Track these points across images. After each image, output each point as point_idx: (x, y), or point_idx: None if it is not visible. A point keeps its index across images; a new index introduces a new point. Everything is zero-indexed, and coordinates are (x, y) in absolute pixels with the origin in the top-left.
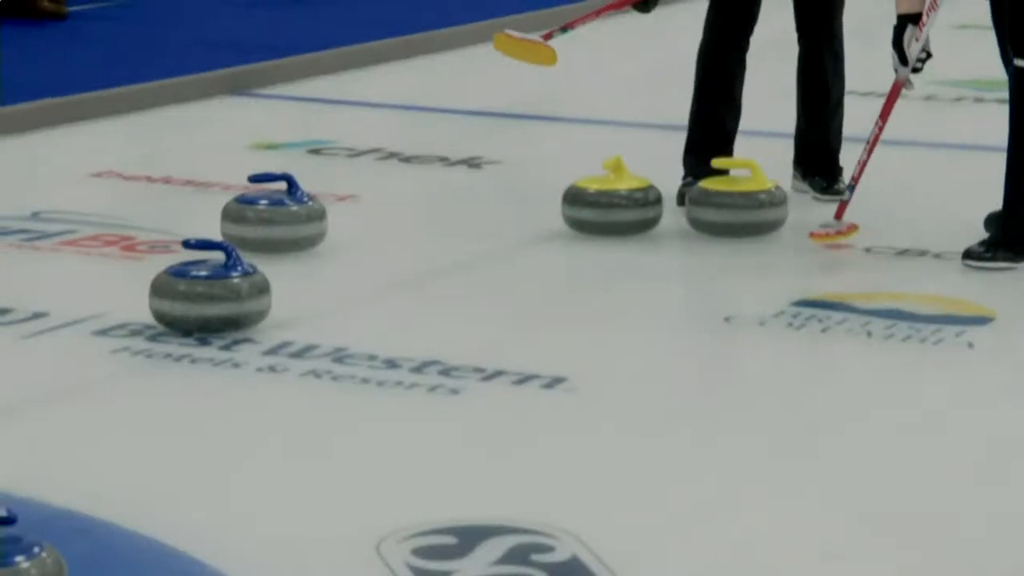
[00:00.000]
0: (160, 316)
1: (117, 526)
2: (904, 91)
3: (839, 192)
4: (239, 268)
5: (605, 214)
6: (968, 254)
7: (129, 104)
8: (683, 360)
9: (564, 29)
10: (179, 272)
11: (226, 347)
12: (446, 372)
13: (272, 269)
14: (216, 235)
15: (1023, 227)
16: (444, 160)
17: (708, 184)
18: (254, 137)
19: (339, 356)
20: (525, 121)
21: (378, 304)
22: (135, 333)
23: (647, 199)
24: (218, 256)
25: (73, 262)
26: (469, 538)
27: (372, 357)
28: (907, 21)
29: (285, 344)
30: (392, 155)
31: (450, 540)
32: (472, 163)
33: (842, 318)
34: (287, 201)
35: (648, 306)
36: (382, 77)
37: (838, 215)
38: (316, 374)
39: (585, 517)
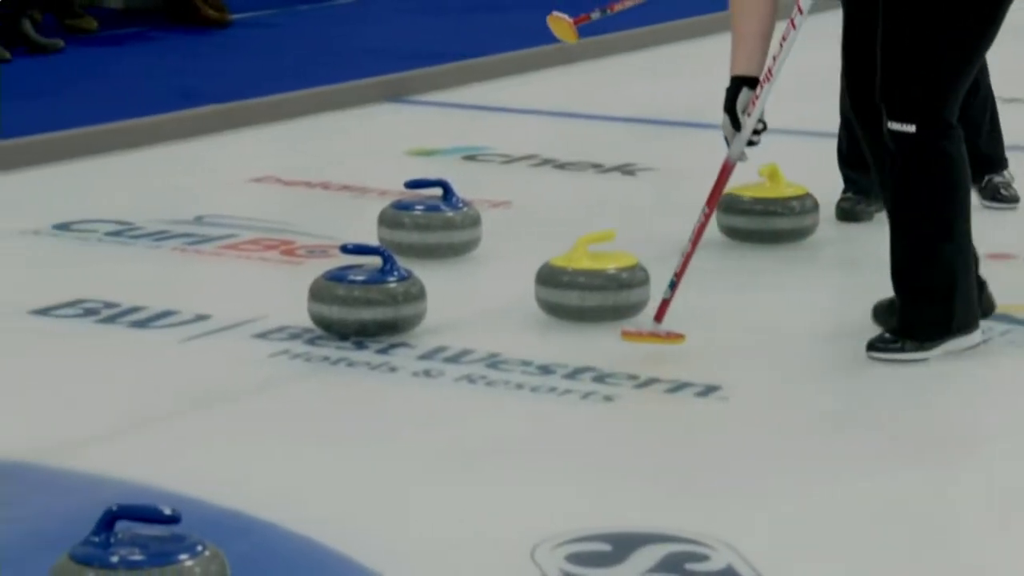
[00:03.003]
0: (318, 320)
1: (277, 526)
2: (732, 162)
3: (1011, 197)
4: (396, 273)
5: (760, 222)
6: (872, 346)
7: (289, 110)
8: (837, 369)
9: (603, 11)
10: (337, 276)
11: (382, 351)
12: (600, 379)
13: (427, 274)
14: (373, 240)
15: (921, 314)
16: (598, 167)
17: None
18: (410, 143)
19: (493, 361)
20: (680, 128)
21: (532, 310)
22: (294, 336)
23: (803, 207)
24: (375, 261)
25: (234, 266)
26: (623, 546)
27: (526, 363)
28: (742, 84)
29: (440, 349)
30: (546, 161)
31: (604, 547)
32: (626, 170)
33: (1005, 329)
34: (442, 207)
35: (802, 315)
36: (537, 84)
37: (658, 316)
38: (470, 379)
39: (741, 527)
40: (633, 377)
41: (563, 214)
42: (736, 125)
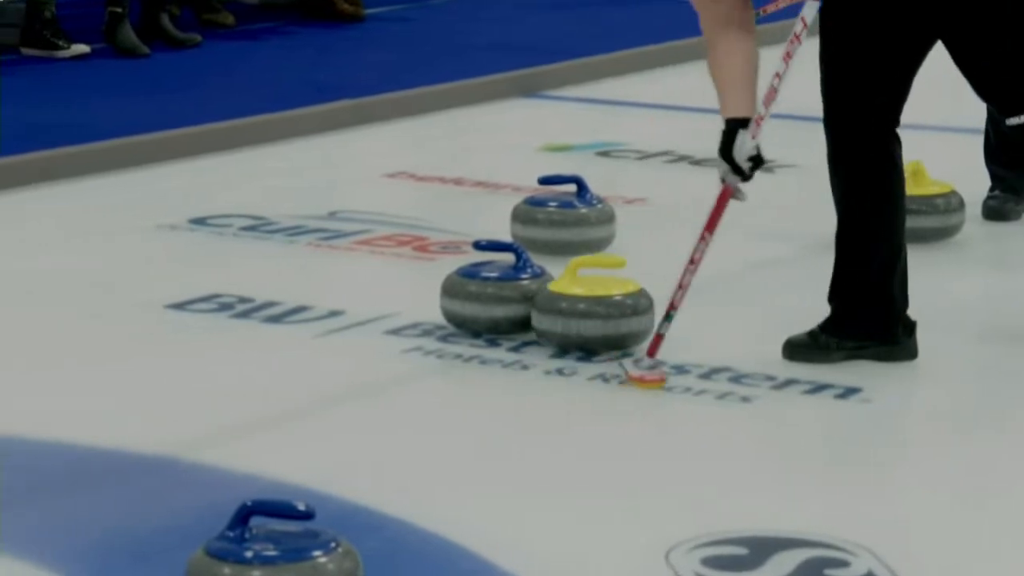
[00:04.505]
0: (451, 317)
1: (410, 524)
2: (735, 200)
3: None
4: (529, 270)
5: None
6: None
7: (422, 106)
8: (984, 372)
9: (756, 13)
10: (469, 273)
11: (515, 349)
12: (736, 379)
13: (561, 271)
14: (506, 236)
15: None
16: None
17: None
18: (544, 139)
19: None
20: (820, 124)
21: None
22: (426, 333)
23: (949, 206)
24: (508, 258)
25: (367, 261)
26: (760, 550)
27: (660, 362)
28: (737, 126)
29: None
30: (682, 158)
31: (741, 551)
32: (765, 167)
33: None
34: (576, 203)
35: (947, 316)
36: (673, 78)
37: (651, 352)
38: (604, 378)
39: (882, 531)
40: (771, 378)
41: (699, 211)
42: (738, 171)
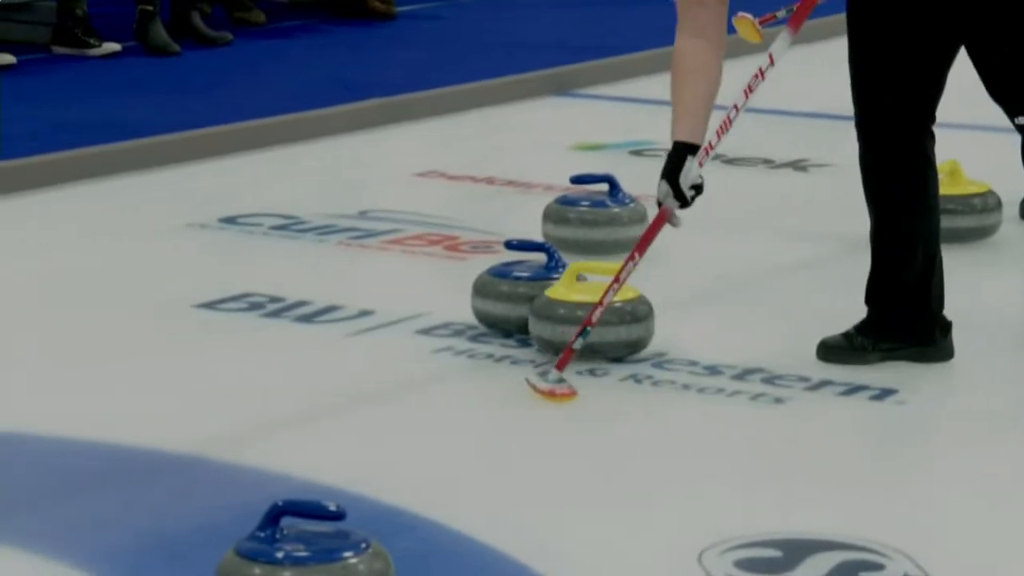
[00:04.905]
0: (482, 316)
1: (442, 525)
2: (669, 224)
3: None
4: (560, 270)
5: (941, 220)
6: None
7: (453, 104)
8: (1021, 373)
9: (789, 9)
10: (501, 273)
11: None
12: (770, 380)
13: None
14: (537, 236)
15: None
16: (769, 162)
17: None
18: (576, 138)
19: (659, 361)
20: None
21: (699, 309)
22: (457, 333)
23: (986, 205)
24: (539, 257)
25: (398, 261)
26: (794, 552)
27: (693, 363)
28: (687, 152)
29: None
30: (715, 157)
31: (774, 553)
32: (798, 166)
33: None
34: (609, 203)
35: (983, 317)
36: None
37: (560, 366)
38: (636, 379)
39: (918, 535)
40: (804, 379)
41: (732, 211)
42: (680, 197)
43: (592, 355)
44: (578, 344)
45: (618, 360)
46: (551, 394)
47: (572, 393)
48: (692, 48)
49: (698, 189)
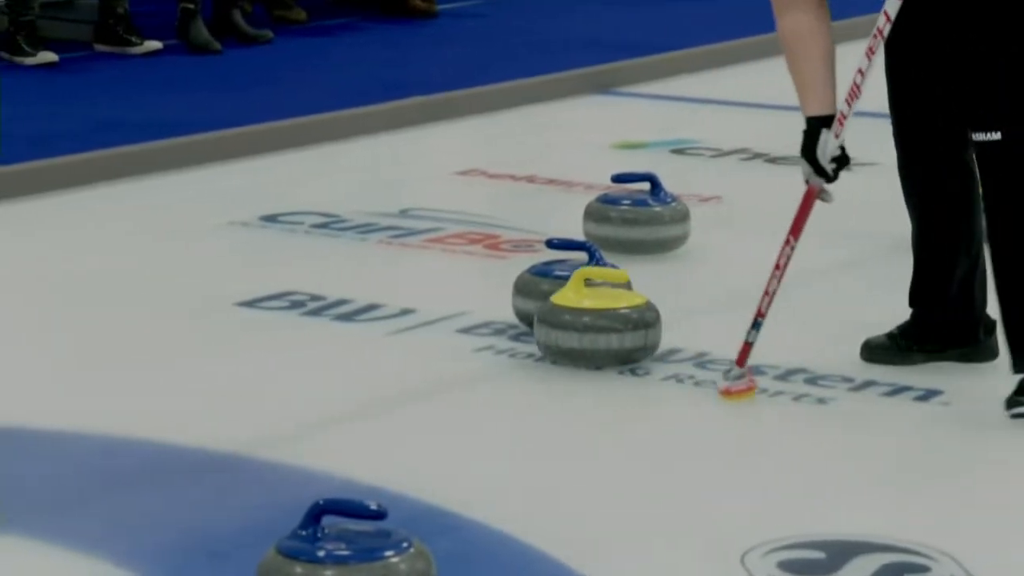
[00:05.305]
0: (523, 316)
1: (484, 525)
2: (821, 201)
3: None
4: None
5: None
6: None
7: (494, 102)
8: None
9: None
10: (542, 272)
11: None
12: (812, 381)
13: (634, 270)
14: (578, 235)
15: None
16: None
17: None
18: (618, 136)
19: (701, 361)
20: None
21: (741, 308)
22: (498, 332)
23: None
24: (580, 256)
25: (439, 259)
26: (838, 554)
27: (735, 363)
28: (820, 125)
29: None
30: (758, 155)
31: (818, 555)
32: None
33: None
34: (650, 201)
35: None
36: (749, 75)
37: (740, 361)
38: (678, 379)
39: (964, 538)
40: (848, 380)
41: (775, 210)
42: (821, 172)
43: (598, 362)
44: (752, 337)
45: (662, 359)
46: (727, 393)
47: (748, 389)
48: (796, 23)
49: (841, 161)
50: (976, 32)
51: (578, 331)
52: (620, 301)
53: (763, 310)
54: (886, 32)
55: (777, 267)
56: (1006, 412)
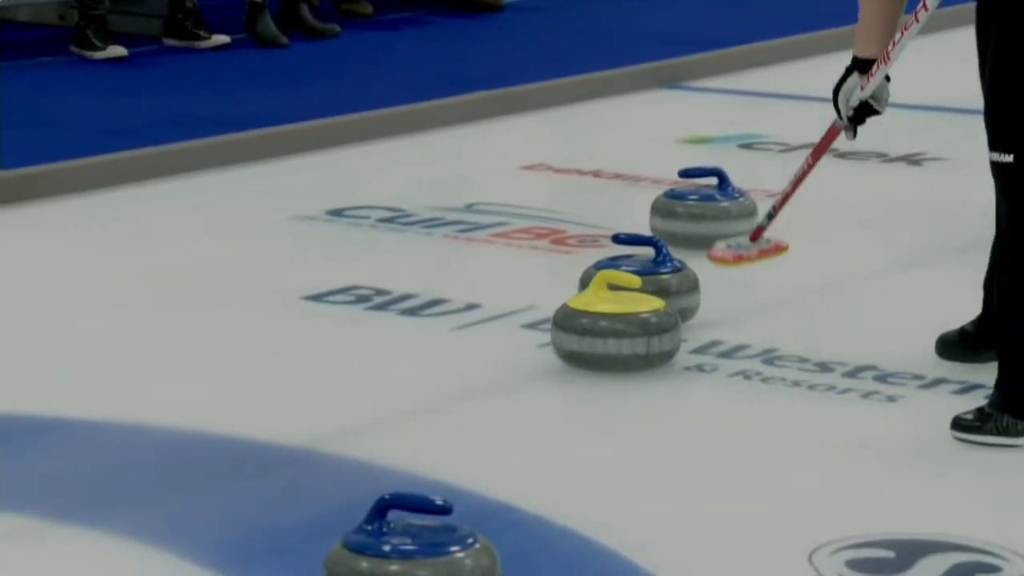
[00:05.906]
0: None
1: (549, 521)
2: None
3: None
4: (669, 264)
5: None
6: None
7: (561, 97)
8: None
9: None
10: (607, 267)
11: None
12: (882, 378)
13: (701, 265)
14: (645, 230)
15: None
16: (882, 156)
17: None
18: (685, 131)
19: (769, 358)
20: (972, 116)
21: (810, 304)
22: None
23: None
24: (647, 251)
25: (505, 254)
26: (908, 553)
27: (803, 360)
28: (854, 67)
29: (714, 343)
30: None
31: (887, 554)
32: (912, 160)
33: None
34: (717, 196)
35: None
36: (817, 69)
37: (754, 237)
38: (746, 375)
39: None
40: (919, 377)
41: (844, 205)
42: (837, 111)
43: (615, 367)
44: (764, 221)
45: (729, 355)
46: (739, 259)
47: (738, 258)
48: None
49: (860, 111)
50: (1005, 33)
51: (577, 334)
52: (633, 306)
53: (777, 207)
54: (932, 6)
55: (797, 178)
56: (951, 431)
